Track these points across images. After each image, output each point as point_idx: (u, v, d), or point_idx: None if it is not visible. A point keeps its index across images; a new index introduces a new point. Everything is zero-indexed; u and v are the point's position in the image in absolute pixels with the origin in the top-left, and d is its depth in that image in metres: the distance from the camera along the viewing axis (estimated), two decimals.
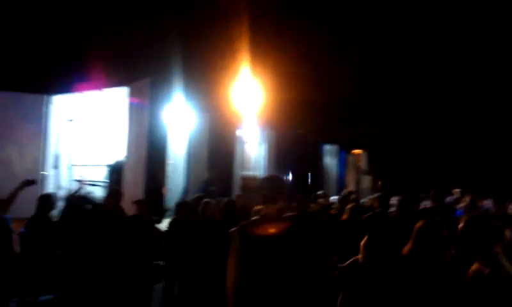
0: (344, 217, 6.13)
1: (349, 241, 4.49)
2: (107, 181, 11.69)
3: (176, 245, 6.22)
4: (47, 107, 11.40)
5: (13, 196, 5.89)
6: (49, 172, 11.62)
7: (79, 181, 11.94)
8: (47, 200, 6.82)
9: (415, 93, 21.35)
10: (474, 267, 3.00)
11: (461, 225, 3.13)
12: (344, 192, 10.13)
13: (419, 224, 3.39)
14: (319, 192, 8.95)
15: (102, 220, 6.32)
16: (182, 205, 6.66)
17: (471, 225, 3.08)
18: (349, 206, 6.27)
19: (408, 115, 22.78)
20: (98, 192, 10.50)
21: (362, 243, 3.45)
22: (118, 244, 6.10)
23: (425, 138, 24.19)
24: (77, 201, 8.30)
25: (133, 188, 9.80)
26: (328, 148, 19.82)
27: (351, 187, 20.77)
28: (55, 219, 7.30)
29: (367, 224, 3.58)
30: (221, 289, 3.54)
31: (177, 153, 12.18)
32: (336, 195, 12.52)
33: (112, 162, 11.66)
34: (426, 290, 3.21)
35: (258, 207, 7.00)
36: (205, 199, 6.71)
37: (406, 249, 3.45)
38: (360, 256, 3.44)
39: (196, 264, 5.95)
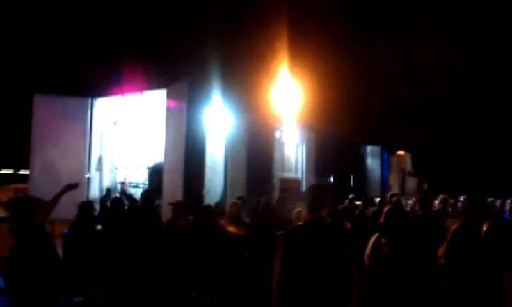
0: (381, 220, 5.93)
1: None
2: (148, 183, 11.88)
3: (197, 248, 6.17)
4: (90, 110, 11.64)
5: (56, 199, 5.87)
6: (93, 174, 11.87)
7: (121, 183, 12.20)
8: (88, 207, 7.03)
9: (463, 91, 20.61)
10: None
11: (483, 230, 2.92)
12: (387, 195, 9.87)
13: (454, 226, 3.20)
14: (351, 196, 8.81)
15: (138, 221, 6.40)
16: (205, 209, 6.64)
17: (493, 231, 2.87)
18: (385, 209, 6.05)
19: (456, 115, 22.02)
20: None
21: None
22: (155, 244, 6.16)
23: (474, 138, 23.33)
24: (118, 202, 8.44)
25: (172, 191, 9.87)
26: (369, 149, 19.36)
27: (394, 189, 20.23)
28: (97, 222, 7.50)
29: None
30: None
31: (216, 156, 12.20)
32: (379, 197, 12.24)
33: (152, 164, 11.82)
34: (458, 292, 3.04)
35: (299, 209, 6.95)
36: (235, 200, 6.71)
37: (441, 251, 3.30)
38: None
39: (216, 269, 5.92)
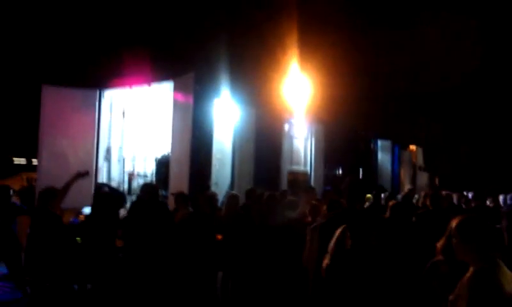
0: (386, 214, 5.90)
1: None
2: (156, 174, 11.92)
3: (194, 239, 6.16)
4: (99, 101, 11.68)
5: (67, 187, 6.02)
6: (101, 165, 11.92)
7: (129, 174, 12.26)
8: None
9: (476, 85, 20.31)
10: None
11: (452, 225, 2.85)
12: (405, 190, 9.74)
13: (455, 221, 3.11)
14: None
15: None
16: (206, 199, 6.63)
17: (461, 226, 2.81)
18: (390, 203, 6.02)
19: (468, 109, 21.72)
20: None
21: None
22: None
23: (486, 133, 23.01)
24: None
25: (179, 182, 9.89)
26: (380, 143, 19.17)
27: (405, 184, 20.07)
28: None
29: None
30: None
31: (225, 148, 12.19)
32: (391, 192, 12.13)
33: (160, 155, 11.86)
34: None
35: (314, 202, 6.94)
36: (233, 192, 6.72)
37: (439, 245, 3.25)
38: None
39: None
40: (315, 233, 4.58)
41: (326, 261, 3.56)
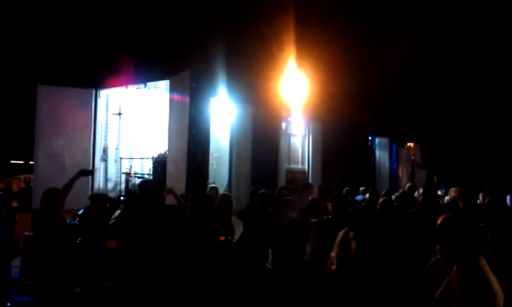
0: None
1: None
2: (153, 174, 11.85)
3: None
4: (95, 101, 11.63)
5: (69, 185, 5.84)
6: (97, 165, 11.87)
7: (126, 174, 12.20)
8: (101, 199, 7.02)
9: (473, 82, 20.30)
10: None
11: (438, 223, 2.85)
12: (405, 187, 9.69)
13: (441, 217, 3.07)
14: (361, 188, 8.72)
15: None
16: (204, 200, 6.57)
17: (445, 224, 2.81)
18: (381, 199, 6.00)
19: (465, 106, 21.71)
20: None
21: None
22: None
23: (485, 130, 23.01)
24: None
25: (176, 181, 9.83)
26: (378, 140, 19.13)
27: (404, 181, 20.05)
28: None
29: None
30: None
31: (222, 146, 12.14)
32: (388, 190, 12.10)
33: (157, 155, 11.80)
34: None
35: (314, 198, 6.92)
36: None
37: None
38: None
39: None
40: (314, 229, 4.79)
41: (333, 266, 3.51)
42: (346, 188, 9.51)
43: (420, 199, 6.30)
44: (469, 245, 2.71)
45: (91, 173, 6.27)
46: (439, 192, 9.87)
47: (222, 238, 5.68)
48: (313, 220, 5.33)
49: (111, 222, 6.91)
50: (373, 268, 3.33)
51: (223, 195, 6.96)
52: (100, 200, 7.25)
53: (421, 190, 8.04)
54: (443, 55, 17.92)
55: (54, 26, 11.47)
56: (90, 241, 6.81)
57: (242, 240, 5.91)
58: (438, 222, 2.86)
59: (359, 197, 10.68)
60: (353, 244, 3.45)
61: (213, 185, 10.41)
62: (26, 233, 8.47)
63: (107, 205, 7.41)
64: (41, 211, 5.36)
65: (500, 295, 2.57)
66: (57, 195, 5.39)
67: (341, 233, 3.59)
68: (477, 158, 22.47)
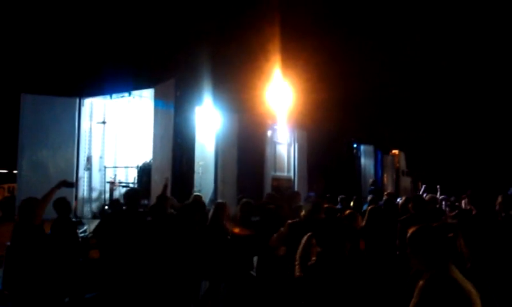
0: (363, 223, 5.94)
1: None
2: (138, 182, 11.78)
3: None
4: (78, 109, 11.55)
5: (49, 196, 5.78)
6: (81, 174, 11.76)
7: (110, 183, 12.11)
8: (64, 204, 6.86)
9: (457, 89, 20.57)
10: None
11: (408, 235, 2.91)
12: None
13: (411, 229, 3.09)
14: (340, 197, 8.81)
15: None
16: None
17: (416, 236, 2.87)
18: (369, 207, 6.02)
19: (451, 113, 21.98)
20: None
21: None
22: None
23: (469, 137, 23.29)
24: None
25: (160, 190, 9.78)
26: (363, 148, 19.28)
27: (388, 188, 20.19)
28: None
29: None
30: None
31: (207, 154, 12.13)
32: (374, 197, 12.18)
33: (141, 163, 11.74)
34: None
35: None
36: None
37: None
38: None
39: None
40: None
41: (296, 272, 3.54)
42: (340, 196, 9.63)
43: (409, 206, 6.30)
44: (437, 257, 2.74)
45: (72, 184, 6.13)
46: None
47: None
48: (289, 221, 5.45)
49: (92, 233, 6.85)
50: (333, 275, 3.35)
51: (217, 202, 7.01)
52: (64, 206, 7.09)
53: (403, 198, 8.07)
54: (427, 63, 18.17)
55: (38, 35, 11.40)
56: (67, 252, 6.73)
57: (226, 249, 5.91)
58: (408, 234, 2.91)
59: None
60: (315, 250, 3.48)
61: (198, 193, 10.42)
62: (8, 243, 8.36)
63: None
64: (19, 220, 5.28)
65: (474, 294, 2.59)
66: (35, 204, 5.31)
67: (305, 238, 3.62)
68: (462, 164, 22.72)
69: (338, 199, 9.87)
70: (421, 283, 2.73)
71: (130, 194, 6.67)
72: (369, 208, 6.15)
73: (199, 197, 8.10)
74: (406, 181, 23.23)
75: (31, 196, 5.49)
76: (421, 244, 2.81)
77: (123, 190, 11.68)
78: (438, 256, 2.74)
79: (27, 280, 5.08)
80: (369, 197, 10.26)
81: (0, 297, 7.49)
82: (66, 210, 6.71)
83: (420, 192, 12.01)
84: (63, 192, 6.75)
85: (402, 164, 22.96)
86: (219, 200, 8.40)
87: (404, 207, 6.44)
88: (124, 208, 6.58)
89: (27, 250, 5.14)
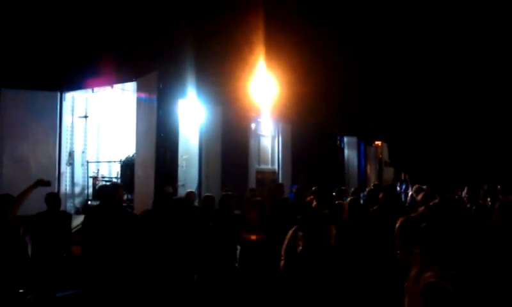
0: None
1: None
2: (121, 177, 11.71)
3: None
4: (60, 104, 11.41)
5: (24, 194, 5.74)
6: (63, 169, 11.65)
7: (93, 177, 12.01)
8: (55, 198, 6.87)
9: (439, 80, 20.79)
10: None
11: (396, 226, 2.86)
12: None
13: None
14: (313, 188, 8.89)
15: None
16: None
17: (404, 227, 2.84)
18: (348, 199, 6.08)
19: (432, 104, 22.21)
20: None
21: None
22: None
23: (451, 128, 23.59)
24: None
25: (144, 184, 9.75)
26: (346, 140, 19.41)
27: (372, 179, 20.39)
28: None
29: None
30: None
31: (192, 148, 12.09)
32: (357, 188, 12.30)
33: (124, 158, 11.67)
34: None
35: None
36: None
37: None
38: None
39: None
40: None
41: (281, 265, 3.57)
42: (337, 189, 9.69)
43: (380, 196, 6.27)
44: (427, 249, 2.70)
45: (49, 183, 6.15)
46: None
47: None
48: None
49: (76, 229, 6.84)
50: (317, 268, 3.37)
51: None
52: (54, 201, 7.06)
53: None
54: (409, 55, 18.33)
55: (17, 28, 11.19)
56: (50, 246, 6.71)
57: (209, 242, 5.92)
58: (397, 225, 2.87)
59: None
60: (301, 243, 3.50)
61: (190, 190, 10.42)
62: None
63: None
64: None
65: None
66: (10, 201, 5.28)
67: (290, 232, 3.65)
68: (445, 155, 23.03)
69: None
70: (410, 279, 2.71)
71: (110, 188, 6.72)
72: (349, 199, 6.18)
73: (192, 194, 8.18)
74: (388, 172, 23.47)
75: (6, 193, 5.48)
76: (412, 234, 2.77)
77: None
78: (427, 248, 2.70)
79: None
80: (352, 189, 10.36)
81: None
82: (57, 204, 6.83)
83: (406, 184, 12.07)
84: (44, 188, 6.73)
85: (385, 155, 23.19)
86: (208, 194, 8.43)
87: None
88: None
89: None
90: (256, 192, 8.53)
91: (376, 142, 22.03)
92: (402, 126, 22.06)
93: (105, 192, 6.65)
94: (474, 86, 20.48)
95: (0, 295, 5.07)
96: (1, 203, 5.24)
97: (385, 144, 22.78)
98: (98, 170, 12.20)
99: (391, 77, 18.96)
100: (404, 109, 21.27)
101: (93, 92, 11.67)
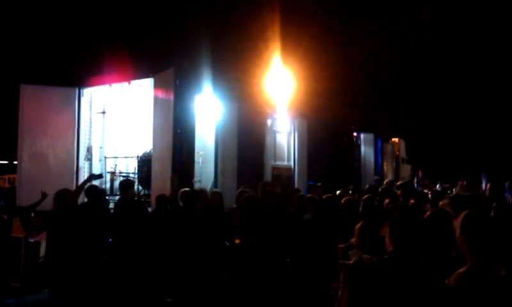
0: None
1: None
2: (138, 172, 11.79)
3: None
4: (78, 99, 11.52)
5: (80, 187, 6.78)
6: (82, 164, 11.76)
7: (111, 173, 12.12)
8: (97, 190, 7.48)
9: (457, 78, 20.52)
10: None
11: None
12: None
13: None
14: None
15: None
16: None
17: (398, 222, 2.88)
18: (364, 197, 6.03)
19: (450, 101, 21.94)
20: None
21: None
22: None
23: (470, 125, 23.29)
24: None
25: (161, 180, 9.79)
26: (363, 136, 19.25)
27: (389, 177, 20.23)
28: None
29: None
30: None
31: (207, 144, 12.09)
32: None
33: (142, 153, 11.74)
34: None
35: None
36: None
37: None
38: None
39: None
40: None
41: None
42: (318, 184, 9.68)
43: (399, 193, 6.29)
44: (480, 245, 2.67)
45: (101, 176, 7.29)
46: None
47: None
48: None
49: None
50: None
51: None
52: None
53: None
54: (427, 51, 18.09)
55: (37, 25, 11.34)
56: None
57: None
58: (460, 218, 2.83)
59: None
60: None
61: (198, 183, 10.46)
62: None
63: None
64: (54, 209, 6.05)
65: None
66: (68, 195, 6.16)
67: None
68: (462, 152, 22.73)
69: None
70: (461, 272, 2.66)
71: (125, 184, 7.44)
72: (365, 197, 6.14)
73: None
74: (405, 169, 23.25)
75: (64, 188, 6.30)
76: (470, 230, 2.74)
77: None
78: (481, 244, 2.67)
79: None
80: (367, 186, 10.29)
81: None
82: (98, 196, 7.36)
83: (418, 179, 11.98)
84: (63, 183, 6.91)
85: (402, 152, 22.95)
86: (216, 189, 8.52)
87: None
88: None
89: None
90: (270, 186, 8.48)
91: (393, 139, 21.83)
92: (420, 123, 21.80)
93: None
94: (494, 82, 20.17)
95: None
96: (61, 196, 6.04)
97: (402, 141, 22.57)
98: (115, 165, 12.30)
99: (409, 73, 18.74)
100: (422, 106, 21.02)
101: (110, 88, 11.74)
